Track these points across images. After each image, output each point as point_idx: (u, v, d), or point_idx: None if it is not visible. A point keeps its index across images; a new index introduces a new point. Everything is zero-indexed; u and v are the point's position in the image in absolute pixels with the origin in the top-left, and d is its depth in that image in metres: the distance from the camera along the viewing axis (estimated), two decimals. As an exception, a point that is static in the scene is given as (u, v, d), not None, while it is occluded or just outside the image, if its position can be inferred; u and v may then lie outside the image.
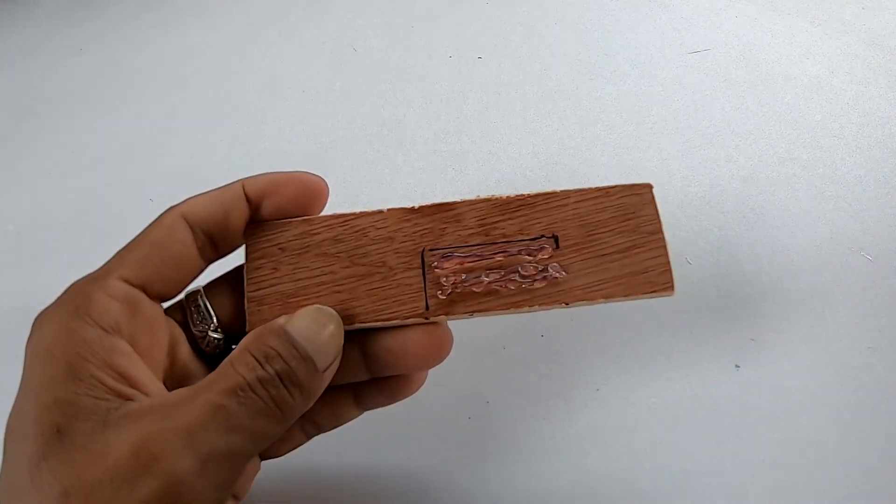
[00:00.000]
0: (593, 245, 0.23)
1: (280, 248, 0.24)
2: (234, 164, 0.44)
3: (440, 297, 0.23)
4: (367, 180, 0.42)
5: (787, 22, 0.51)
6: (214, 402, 0.18)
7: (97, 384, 0.19)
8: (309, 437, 0.27)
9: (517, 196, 0.24)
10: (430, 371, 0.26)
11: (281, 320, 0.21)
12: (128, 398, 0.19)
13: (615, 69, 0.48)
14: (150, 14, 0.59)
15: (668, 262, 0.22)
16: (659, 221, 0.23)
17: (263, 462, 0.27)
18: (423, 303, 0.23)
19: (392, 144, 0.44)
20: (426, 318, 0.22)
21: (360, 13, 0.56)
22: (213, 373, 0.19)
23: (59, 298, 0.21)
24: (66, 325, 0.20)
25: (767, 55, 0.48)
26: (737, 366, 0.32)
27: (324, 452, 0.29)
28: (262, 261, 0.24)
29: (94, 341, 0.19)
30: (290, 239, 0.24)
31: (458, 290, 0.23)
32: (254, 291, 0.23)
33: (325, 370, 0.20)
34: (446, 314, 0.22)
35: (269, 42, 0.54)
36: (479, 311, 0.22)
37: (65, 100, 0.51)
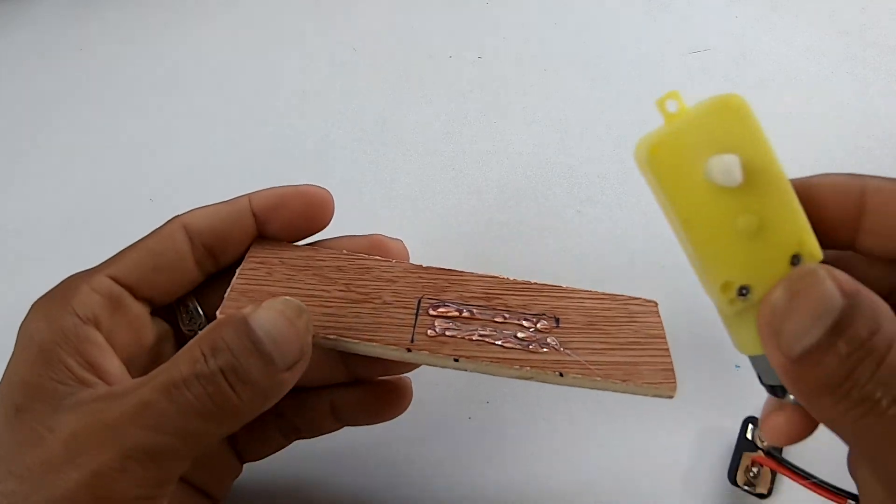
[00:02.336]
0: (595, 332, 0.23)
1: (281, 261, 0.24)
2: (234, 164, 0.44)
3: (428, 334, 0.22)
4: (367, 180, 0.42)
5: (787, 22, 0.51)
6: (144, 397, 0.18)
7: (63, 369, 0.19)
8: (289, 440, 0.26)
9: (524, 281, 0.24)
10: (430, 371, 0.26)
11: (247, 310, 0.19)
12: (89, 386, 0.19)
13: (615, 69, 0.48)
14: (149, 14, 0.59)
15: (671, 363, 0.22)
16: (663, 329, 0.23)
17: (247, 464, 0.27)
18: (410, 336, 0.22)
19: (392, 144, 0.44)
20: (408, 350, 0.21)
21: (360, 13, 0.56)
22: (161, 365, 0.19)
23: (51, 289, 0.22)
24: (49, 311, 0.21)
25: (767, 55, 0.48)
26: (737, 366, 0.32)
27: (319, 450, 0.29)
28: (260, 265, 0.24)
29: (69, 329, 0.20)
30: (294, 257, 0.24)
31: (449, 335, 0.22)
32: (241, 284, 0.23)
33: (286, 369, 0.19)
34: (430, 352, 0.21)
35: (269, 42, 0.54)
36: (467, 357, 0.21)
37: (65, 100, 0.51)
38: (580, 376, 0.21)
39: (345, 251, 0.25)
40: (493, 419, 0.31)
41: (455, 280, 0.24)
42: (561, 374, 0.21)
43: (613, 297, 0.24)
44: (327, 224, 0.25)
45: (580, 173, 0.41)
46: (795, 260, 0.18)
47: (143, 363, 0.23)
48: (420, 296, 0.23)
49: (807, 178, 0.19)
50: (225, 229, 0.24)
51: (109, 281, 0.22)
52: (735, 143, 0.17)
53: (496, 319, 0.23)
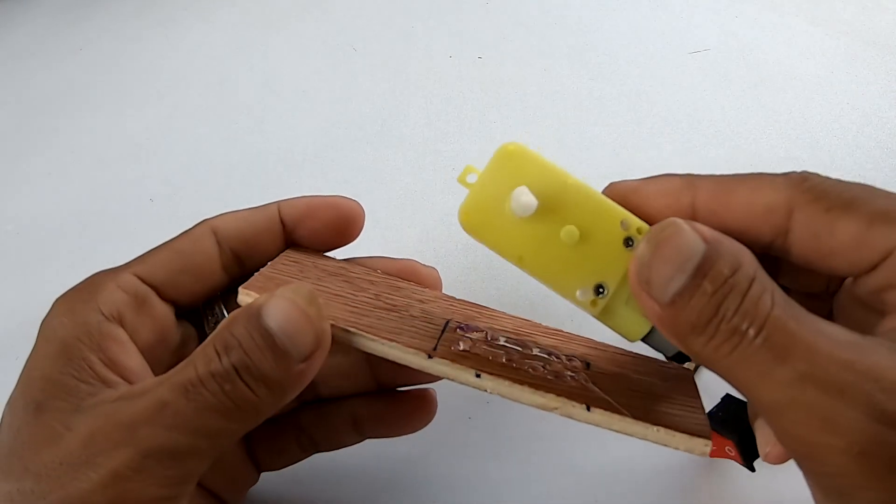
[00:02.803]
0: (626, 380, 0.21)
1: (314, 265, 0.23)
2: (234, 164, 0.44)
3: (452, 349, 0.21)
4: (367, 180, 0.42)
5: (787, 22, 0.51)
6: (162, 397, 0.17)
7: (85, 367, 0.19)
8: (307, 453, 0.26)
9: (556, 328, 0.24)
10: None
11: (262, 299, 0.18)
12: (110, 385, 0.19)
13: (615, 69, 0.48)
14: (150, 14, 0.59)
15: (706, 421, 0.20)
16: (698, 394, 0.22)
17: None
18: (433, 345, 0.20)
19: (392, 144, 0.44)
20: (429, 356, 0.20)
21: (360, 13, 0.56)
22: (178, 364, 0.18)
23: (76, 284, 0.21)
24: (73, 307, 0.20)
25: (767, 55, 0.48)
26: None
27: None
28: (293, 263, 0.23)
29: (92, 325, 0.20)
30: (328, 265, 0.24)
31: (473, 353, 0.21)
32: (269, 272, 0.22)
33: (303, 360, 0.18)
34: (451, 361, 0.20)
35: (270, 42, 0.54)
36: (489, 374, 0.20)
37: (65, 100, 0.51)
38: (609, 413, 0.19)
39: (378, 271, 0.25)
40: (493, 419, 0.31)
41: (486, 314, 0.24)
42: (588, 409, 0.19)
43: (648, 358, 0.23)
44: (355, 237, 0.25)
45: (580, 173, 0.41)
46: (629, 242, 0.19)
47: (167, 365, 0.22)
48: (449, 318, 0.22)
49: (636, 182, 0.21)
50: (253, 235, 0.23)
51: (135, 279, 0.21)
52: (524, 178, 0.20)
53: (525, 351, 0.22)
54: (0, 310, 0.37)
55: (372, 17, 0.55)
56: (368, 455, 0.30)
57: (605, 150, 0.42)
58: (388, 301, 0.23)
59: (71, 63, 0.55)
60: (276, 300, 0.18)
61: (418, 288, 0.24)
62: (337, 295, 0.22)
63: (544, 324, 0.24)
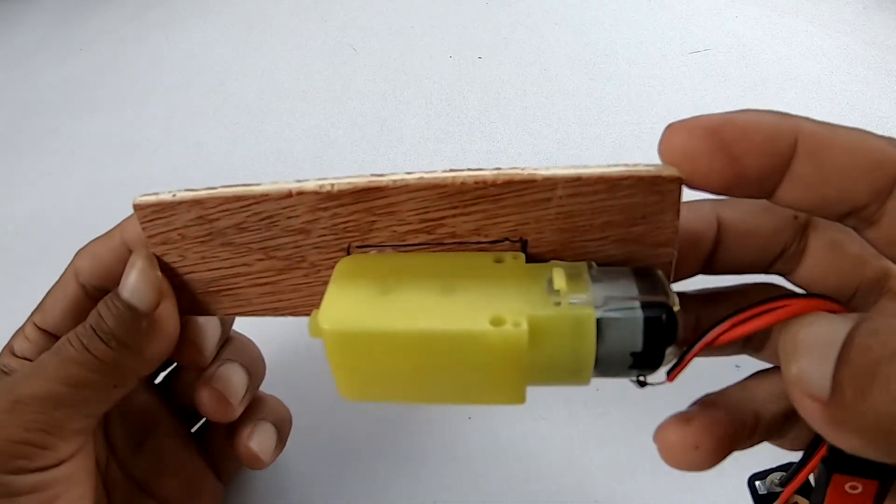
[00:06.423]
0: (572, 252, 0.19)
1: (180, 235, 0.20)
2: (234, 164, 0.44)
3: None
4: (367, 180, 0.42)
5: (787, 22, 0.51)
6: (41, 360, 0.20)
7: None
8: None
9: (476, 181, 0.17)
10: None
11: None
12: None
13: (615, 69, 0.48)
14: (150, 14, 0.59)
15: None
16: (676, 232, 0.18)
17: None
18: None
19: (392, 144, 0.44)
20: None
21: (360, 13, 0.56)
22: None
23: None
24: None
25: (767, 55, 0.48)
26: (737, 366, 0.32)
27: (321, 450, 0.29)
28: (165, 247, 0.21)
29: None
30: (188, 224, 0.20)
31: None
32: (171, 279, 0.21)
33: (151, 309, 0.20)
34: None
35: (269, 42, 0.54)
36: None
37: (65, 100, 0.51)
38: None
39: (227, 195, 0.20)
40: (493, 419, 0.31)
41: (380, 207, 0.18)
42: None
43: (613, 186, 0.19)
44: None
45: (580, 173, 0.41)
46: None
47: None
48: (347, 244, 0.19)
49: (726, 114, 0.18)
50: (107, 269, 0.24)
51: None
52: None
53: (441, 248, 0.19)
54: None
55: (372, 17, 0.55)
56: (368, 454, 0.30)
57: (605, 150, 0.42)
58: (277, 253, 0.20)
59: (71, 63, 0.55)
60: (130, 272, 0.20)
61: (286, 204, 0.19)
62: (237, 275, 0.20)
63: (459, 178, 0.18)
